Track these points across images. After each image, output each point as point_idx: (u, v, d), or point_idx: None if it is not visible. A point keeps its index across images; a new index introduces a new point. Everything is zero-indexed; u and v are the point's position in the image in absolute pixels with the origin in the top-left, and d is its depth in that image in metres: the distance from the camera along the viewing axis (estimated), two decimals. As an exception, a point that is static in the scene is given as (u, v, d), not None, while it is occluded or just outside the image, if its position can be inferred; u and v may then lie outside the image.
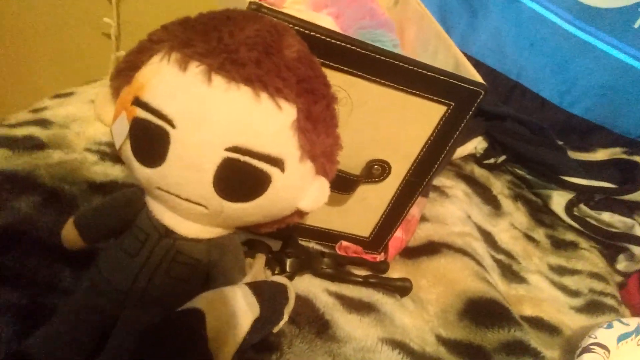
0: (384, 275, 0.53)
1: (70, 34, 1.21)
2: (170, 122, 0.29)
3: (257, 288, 0.34)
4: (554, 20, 0.96)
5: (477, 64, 1.00)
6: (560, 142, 0.93)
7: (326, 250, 0.54)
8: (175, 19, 0.33)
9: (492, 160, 0.82)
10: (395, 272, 0.56)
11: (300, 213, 0.36)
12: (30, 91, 1.29)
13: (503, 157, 0.82)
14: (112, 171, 0.50)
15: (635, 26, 0.91)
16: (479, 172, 0.79)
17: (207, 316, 0.30)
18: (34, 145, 0.51)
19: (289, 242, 0.49)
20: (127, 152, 0.32)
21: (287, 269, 0.48)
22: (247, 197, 0.32)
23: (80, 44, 1.23)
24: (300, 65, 0.32)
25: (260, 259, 0.41)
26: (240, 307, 0.32)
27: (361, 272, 0.53)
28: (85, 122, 0.57)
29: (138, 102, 0.30)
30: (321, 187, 0.35)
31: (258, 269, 0.40)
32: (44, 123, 0.56)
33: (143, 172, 0.32)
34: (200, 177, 0.30)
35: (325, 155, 0.34)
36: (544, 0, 0.96)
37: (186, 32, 0.31)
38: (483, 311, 0.51)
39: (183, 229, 0.34)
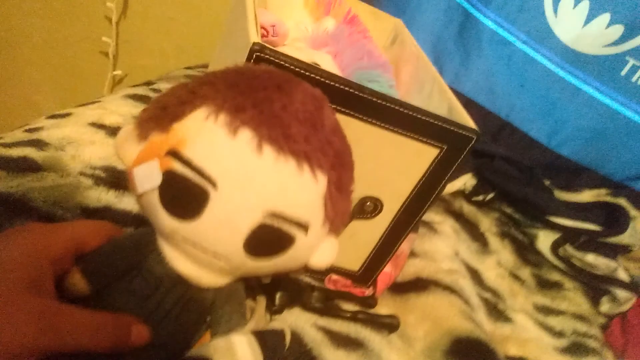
0: (372, 311, 0.53)
1: (69, 51, 1.22)
2: (213, 183, 0.30)
3: (261, 337, 0.36)
4: (544, 64, 0.99)
5: (469, 102, 1.02)
6: (548, 181, 0.95)
7: (315, 284, 0.54)
8: (216, 71, 0.34)
9: (480, 197, 0.83)
10: (384, 307, 0.56)
11: (306, 267, 0.37)
12: (26, 107, 1.29)
13: (491, 195, 0.83)
14: (106, 197, 0.50)
15: (622, 74, 0.95)
16: (467, 208, 0.80)
17: None
18: (29, 167, 0.51)
19: (279, 275, 0.50)
20: (153, 200, 0.32)
21: (276, 302, 0.48)
22: (270, 255, 0.33)
23: (78, 62, 1.24)
24: (337, 139, 0.34)
25: (262, 303, 0.42)
26: (246, 357, 0.33)
27: (350, 306, 0.53)
28: (81, 145, 0.57)
29: (177, 156, 0.30)
30: (332, 247, 0.36)
31: (260, 314, 0.41)
32: (39, 144, 0.56)
33: (170, 223, 0.32)
34: (233, 237, 0.31)
35: (342, 218, 0.36)
36: (535, 43, 0.99)
37: (236, 95, 0.31)
38: (469, 351, 0.51)
39: (198, 278, 0.34)
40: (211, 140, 0.30)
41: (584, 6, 0.94)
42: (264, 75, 0.34)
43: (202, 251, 0.32)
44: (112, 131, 0.61)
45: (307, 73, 0.41)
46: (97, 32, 1.17)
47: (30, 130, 0.60)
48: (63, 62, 1.24)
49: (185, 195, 0.31)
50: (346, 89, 0.42)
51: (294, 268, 0.36)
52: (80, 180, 0.52)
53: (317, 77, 0.41)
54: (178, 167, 0.30)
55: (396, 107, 0.44)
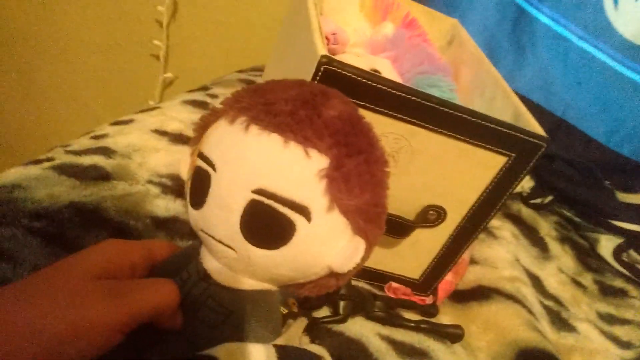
0: (434, 321, 0.53)
1: (121, 55, 1.25)
2: (212, 166, 0.32)
3: (283, 352, 0.34)
4: (602, 59, 0.95)
5: (523, 100, 0.98)
6: (607, 182, 0.92)
7: (378, 293, 0.54)
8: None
9: (539, 200, 0.81)
10: (445, 315, 0.55)
11: (336, 275, 0.35)
12: (81, 111, 1.34)
13: (550, 198, 0.81)
14: (173, 206, 0.52)
15: (688, 68, 0.90)
16: (525, 212, 0.78)
17: None
18: (100, 175, 0.53)
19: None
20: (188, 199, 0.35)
21: (340, 311, 0.48)
22: (272, 243, 0.32)
23: (130, 64, 1.27)
24: (339, 122, 0.33)
25: (301, 322, 0.40)
26: None
27: (411, 315, 0.53)
28: (147, 153, 0.58)
29: (199, 154, 0.34)
30: (356, 248, 0.34)
31: (294, 332, 0.39)
32: (106, 152, 0.58)
33: (192, 214, 0.35)
34: (229, 217, 0.32)
35: (361, 214, 0.33)
36: (593, 39, 0.95)
37: (245, 97, 0.34)
38: (535, 363, 0.50)
39: (218, 274, 0.35)
40: (217, 132, 0.34)
41: (648, -2, 0.90)
42: (287, 83, 0.36)
43: (213, 239, 0.34)
44: (175, 138, 0.62)
45: (374, 84, 0.41)
46: (148, 36, 1.20)
47: (95, 138, 0.62)
48: (116, 66, 1.27)
49: (199, 183, 0.34)
50: (413, 98, 0.42)
51: (313, 268, 0.34)
52: (149, 188, 0.53)
53: (384, 88, 0.41)
54: (198, 162, 0.34)
55: (463, 115, 0.43)
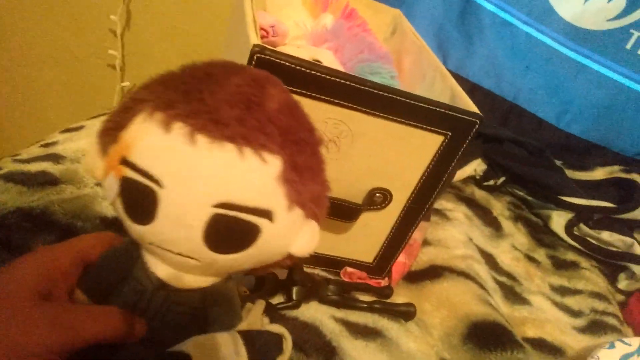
0: (388, 301, 0.54)
1: (77, 66, 1.24)
2: (157, 182, 0.30)
3: (248, 337, 0.35)
4: (547, 43, 0.99)
5: (474, 87, 1.02)
6: (559, 162, 0.95)
7: (331, 277, 0.55)
8: (158, 75, 0.34)
9: (491, 182, 0.83)
10: (400, 296, 0.57)
11: (291, 257, 0.36)
12: (39, 123, 1.32)
13: (502, 179, 0.83)
14: (122, 205, 0.52)
15: (628, 47, 0.94)
16: (479, 194, 0.81)
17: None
18: (48, 180, 0.53)
19: (294, 270, 0.51)
20: (119, 209, 0.32)
21: (294, 297, 0.49)
22: (238, 248, 0.32)
23: (86, 75, 1.26)
24: (283, 117, 0.33)
25: (260, 305, 0.41)
26: (228, 354, 0.32)
27: (366, 297, 0.54)
28: (96, 157, 0.58)
29: (126, 162, 0.31)
30: (311, 231, 0.35)
31: (255, 315, 0.40)
32: (55, 158, 0.58)
33: (135, 229, 0.32)
34: (189, 233, 0.31)
35: (314, 201, 0.34)
36: (537, 23, 0.98)
37: (168, 92, 0.31)
38: (486, 334, 0.52)
39: (177, 281, 0.35)
40: (149, 140, 0.30)
41: (585, -18, 0.94)
42: (202, 71, 0.33)
43: (170, 252, 0.32)
44: (124, 141, 0.62)
45: (308, 70, 0.42)
46: (103, 46, 1.19)
47: (45, 145, 0.62)
48: (72, 77, 1.26)
49: (139, 199, 0.31)
50: (347, 83, 0.43)
51: (275, 258, 0.35)
52: (97, 191, 0.53)
53: (318, 74, 0.42)
54: (128, 172, 0.31)
55: (397, 97, 0.45)
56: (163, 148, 0.30)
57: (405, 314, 0.52)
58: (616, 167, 0.97)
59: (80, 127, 0.67)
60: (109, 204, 0.52)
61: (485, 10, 0.99)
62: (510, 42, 1.00)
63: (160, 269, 0.35)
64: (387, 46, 0.69)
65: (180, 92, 0.31)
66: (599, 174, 0.97)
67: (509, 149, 0.83)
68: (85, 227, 0.48)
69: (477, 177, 0.83)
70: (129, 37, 1.20)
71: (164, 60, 1.22)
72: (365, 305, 0.51)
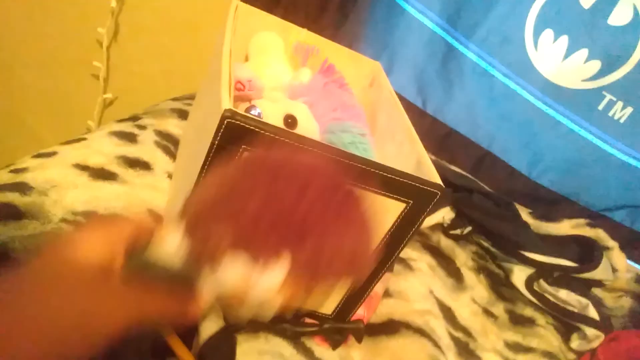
0: (345, 350, 0.55)
1: (61, 74, 1.24)
2: None
3: None
4: (524, 96, 1.02)
5: (451, 132, 1.05)
6: (528, 211, 0.98)
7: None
8: None
9: (458, 231, 0.85)
10: (355, 349, 0.58)
11: None
12: (20, 129, 1.31)
13: (469, 229, 0.85)
14: (85, 245, 0.52)
15: (600, 108, 0.97)
16: (445, 242, 0.82)
17: None
18: (11, 214, 0.53)
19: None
20: None
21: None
22: None
23: (69, 83, 1.25)
24: None
25: None
26: None
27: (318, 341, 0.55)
28: (64, 189, 0.58)
29: None
30: None
31: None
32: (23, 188, 0.57)
33: None
34: None
35: None
36: (516, 76, 1.01)
37: None
38: (434, 397, 0.53)
39: None
40: None
41: (564, 41, 0.97)
42: None
43: None
44: (95, 173, 0.63)
45: (276, 136, 0.43)
46: (88, 57, 1.19)
47: (15, 171, 0.62)
48: (56, 85, 1.26)
49: None
50: (314, 150, 0.44)
51: None
52: (62, 227, 0.53)
53: (285, 140, 0.43)
54: None
55: (363, 167, 0.46)
56: None
57: (354, 330, 0.54)
58: (582, 221, 1.00)
59: (53, 154, 0.67)
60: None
61: (467, 59, 1.01)
62: (489, 92, 1.02)
63: None
64: (364, 97, 0.70)
65: None
66: (565, 226, 0.99)
67: (477, 201, 0.85)
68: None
69: (445, 225, 0.85)
70: (114, 49, 1.20)
71: (148, 75, 1.22)
72: (315, 329, 0.53)
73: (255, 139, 0.43)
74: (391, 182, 0.47)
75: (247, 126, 0.42)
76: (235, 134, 0.43)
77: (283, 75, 0.61)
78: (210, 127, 0.44)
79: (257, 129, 0.43)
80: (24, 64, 1.23)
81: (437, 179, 0.50)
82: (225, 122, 0.42)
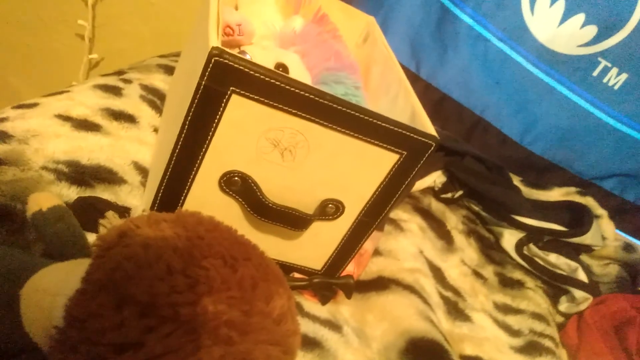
0: (334, 305, 0.55)
1: (44, 32, 1.20)
2: None
3: None
4: (519, 61, 1.00)
5: (444, 97, 1.03)
6: (519, 178, 0.97)
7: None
8: None
9: (449, 195, 0.84)
10: (345, 305, 0.57)
11: None
12: (1, 90, 1.27)
13: (460, 192, 0.85)
14: (67, 192, 0.50)
15: (594, 74, 0.96)
16: (435, 205, 0.81)
17: None
18: (-10, 161, 0.51)
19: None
20: None
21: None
22: None
23: (53, 44, 1.22)
24: None
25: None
26: None
27: (309, 296, 0.54)
28: (46, 139, 0.56)
29: None
30: None
31: None
32: (2, 136, 0.55)
33: None
34: None
35: None
36: (511, 41, 0.99)
37: None
38: (423, 351, 0.53)
39: None
40: None
41: (560, 5, 0.95)
42: None
43: None
44: (79, 124, 0.61)
45: (267, 79, 0.41)
46: (72, 15, 1.15)
47: (-6, 121, 0.59)
48: (38, 43, 1.21)
49: None
50: (306, 94, 0.43)
51: None
52: (42, 174, 0.51)
53: (277, 83, 0.42)
54: None
55: (355, 113, 0.44)
56: None
57: (344, 286, 0.53)
58: (572, 189, 1.00)
59: (35, 105, 0.64)
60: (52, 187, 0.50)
61: (462, 22, 0.99)
62: (483, 57, 1.01)
63: None
64: (357, 53, 0.68)
65: None
66: (556, 193, 0.99)
67: (469, 164, 0.84)
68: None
69: (436, 189, 0.84)
70: (100, 8, 1.16)
71: (135, 35, 1.18)
72: (304, 282, 0.52)
73: (244, 81, 0.42)
74: (385, 132, 0.46)
75: (236, 66, 0.40)
76: (223, 74, 0.41)
77: (274, 24, 0.58)
78: (197, 68, 0.42)
79: (246, 69, 0.41)
80: (6, 22, 1.19)
81: (432, 130, 0.48)
82: (213, 60, 0.40)
